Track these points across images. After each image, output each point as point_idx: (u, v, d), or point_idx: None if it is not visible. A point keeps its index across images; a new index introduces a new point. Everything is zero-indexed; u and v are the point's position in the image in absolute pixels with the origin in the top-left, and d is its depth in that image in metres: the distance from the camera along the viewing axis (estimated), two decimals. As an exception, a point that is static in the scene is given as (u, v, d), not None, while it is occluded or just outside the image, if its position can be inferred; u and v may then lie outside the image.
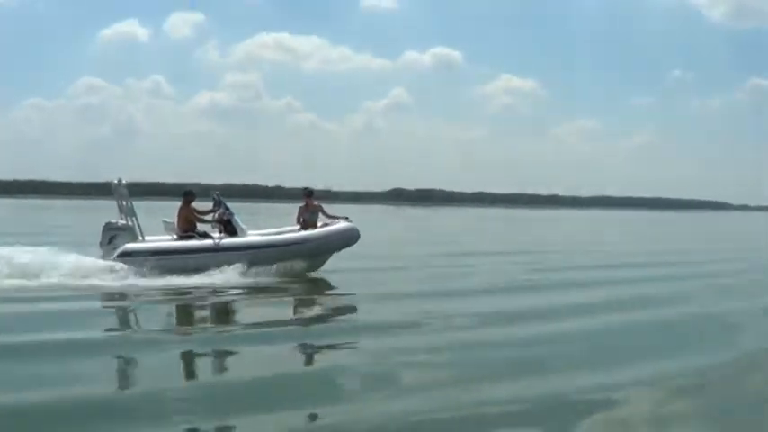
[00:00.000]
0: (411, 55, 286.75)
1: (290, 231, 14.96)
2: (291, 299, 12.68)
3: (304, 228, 14.87)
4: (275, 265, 13.99)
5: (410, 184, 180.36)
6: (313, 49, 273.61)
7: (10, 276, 12.02)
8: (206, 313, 11.43)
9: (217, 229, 14.34)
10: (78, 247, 15.75)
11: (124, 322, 10.62)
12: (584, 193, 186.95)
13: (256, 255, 13.83)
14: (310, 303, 12.34)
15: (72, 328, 9.25)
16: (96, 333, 9.07)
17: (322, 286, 14.05)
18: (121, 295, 12.00)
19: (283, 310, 11.69)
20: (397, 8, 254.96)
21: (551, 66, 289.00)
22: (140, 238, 13.89)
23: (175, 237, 14.17)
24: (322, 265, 15.12)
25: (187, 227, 14.14)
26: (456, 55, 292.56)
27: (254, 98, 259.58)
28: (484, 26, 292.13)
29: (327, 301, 12.76)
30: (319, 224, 14.93)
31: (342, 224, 14.80)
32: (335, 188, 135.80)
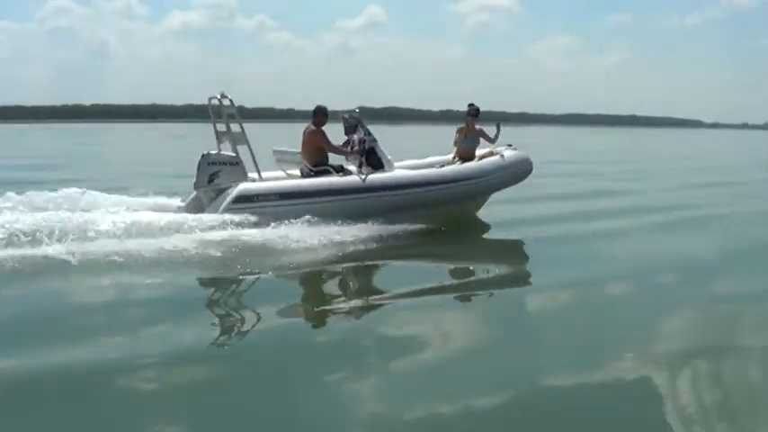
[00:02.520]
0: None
1: (444, 162, 11.00)
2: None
3: (462, 158, 10.89)
4: (440, 208, 10.08)
5: (379, 102, 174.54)
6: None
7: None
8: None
9: (356, 162, 10.22)
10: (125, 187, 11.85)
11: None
12: (558, 110, 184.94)
13: (419, 195, 9.84)
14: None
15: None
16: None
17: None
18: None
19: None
20: None
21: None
22: (257, 175, 9.72)
23: (302, 172, 10.09)
24: (481, 207, 11.23)
25: (319, 158, 10.00)
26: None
27: (228, 17, 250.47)
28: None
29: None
30: (478, 153, 10.99)
31: (513, 153, 10.83)
32: (299, 107, 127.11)
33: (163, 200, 10.41)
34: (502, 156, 10.62)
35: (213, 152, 9.64)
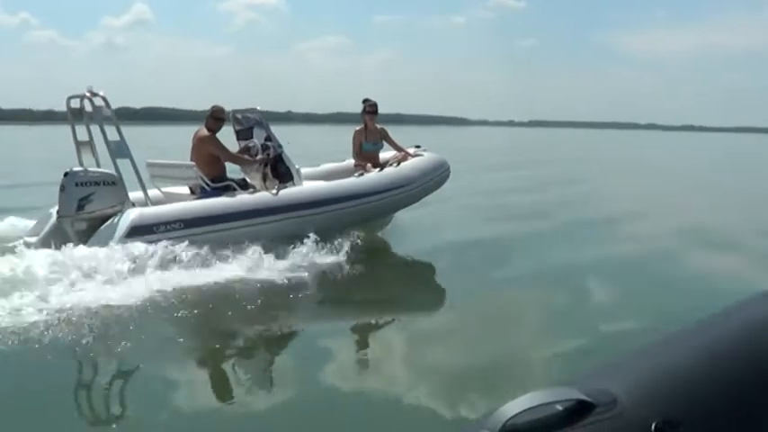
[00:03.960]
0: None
1: (344, 170, 9.42)
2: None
3: (366, 162, 9.32)
4: (362, 225, 8.62)
5: (141, 102, 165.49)
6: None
7: None
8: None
9: (257, 174, 8.33)
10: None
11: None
12: (325, 110, 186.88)
13: (346, 211, 8.22)
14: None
15: None
16: None
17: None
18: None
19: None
20: None
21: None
22: (147, 200, 7.52)
23: (193, 189, 8.03)
24: (388, 224, 9.83)
25: (219, 171, 8.02)
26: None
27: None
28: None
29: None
30: (383, 156, 9.55)
31: (431, 156, 9.52)
32: (60, 108, 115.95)
33: None
34: (421, 158, 9.27)
35: (80, 169, 7.30)
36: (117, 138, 7.33)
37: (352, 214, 8.29)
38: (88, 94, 7.21)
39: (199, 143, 7.95)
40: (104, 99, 7.24)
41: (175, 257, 6.70)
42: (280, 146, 8.31)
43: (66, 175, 7.17)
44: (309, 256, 7.34)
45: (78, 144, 7.63)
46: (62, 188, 7.14)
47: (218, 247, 7.04)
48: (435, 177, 9.21)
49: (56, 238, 7.17)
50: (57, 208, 7.27)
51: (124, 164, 7.38)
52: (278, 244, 7.39)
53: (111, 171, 7.31)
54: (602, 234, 11.07)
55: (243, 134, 8.57)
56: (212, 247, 7.00)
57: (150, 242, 6.80)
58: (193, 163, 7.84)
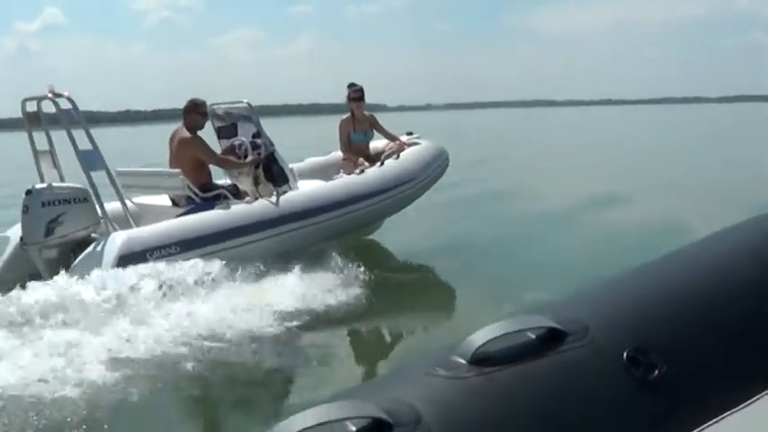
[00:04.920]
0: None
1: (332, 164, 8.43)
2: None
3: (357, 155, 8.29)
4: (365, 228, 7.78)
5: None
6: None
7: None
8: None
9: (248, 178, 7.21)
10: None
11: None
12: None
13: (358, 213, 7.25)
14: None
15: None
16: None
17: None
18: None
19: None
20: None
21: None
22: (129, 218, 6.29)
23: (177, 201, 6.88)
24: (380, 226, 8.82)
25: (207, 178, 6.90)
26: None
27: None
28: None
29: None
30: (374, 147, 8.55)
31: (429, 144, 8.57)
32: None
33: None
34: (417, 148, 8.30)
35: (44, 186, 6.06)
36: (88, 146, 6.11)
37: (362, 217, 7.36)
38: (50, 95, 5.96)
39: (181, 146, 6.77)
40: (71, 100, 6.00)
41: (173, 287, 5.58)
42: (271, 143, 7.22)
43: (28, 193, 5.93)
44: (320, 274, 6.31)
45: (37, 154, 6.38)
46: (25, 210, 5.91)
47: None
48: (437, 168, 8.28)
49: (20, 267, 6.01)
50: (15, 231, 6.08)
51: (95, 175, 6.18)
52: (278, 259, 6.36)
53: (79, 185, 6.12)
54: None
55: (225, 131, 7.45)
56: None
57: (144, 273, 5.65)
58: (179, 170, 6.64)
